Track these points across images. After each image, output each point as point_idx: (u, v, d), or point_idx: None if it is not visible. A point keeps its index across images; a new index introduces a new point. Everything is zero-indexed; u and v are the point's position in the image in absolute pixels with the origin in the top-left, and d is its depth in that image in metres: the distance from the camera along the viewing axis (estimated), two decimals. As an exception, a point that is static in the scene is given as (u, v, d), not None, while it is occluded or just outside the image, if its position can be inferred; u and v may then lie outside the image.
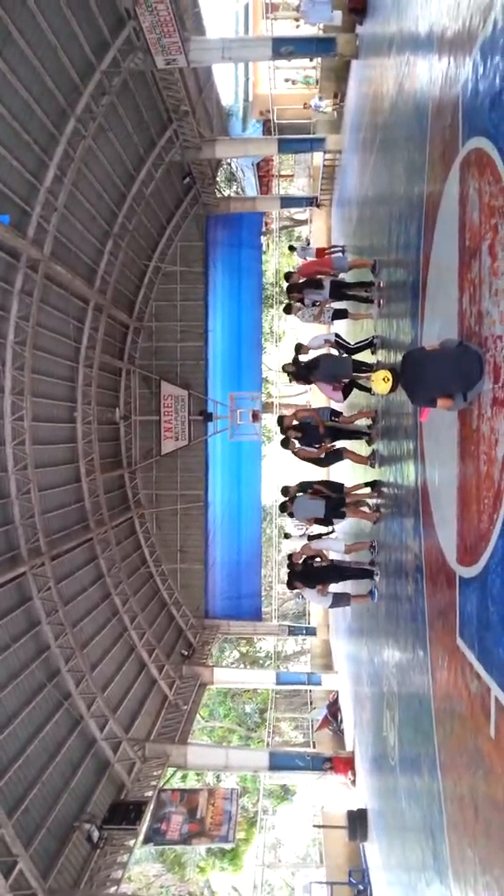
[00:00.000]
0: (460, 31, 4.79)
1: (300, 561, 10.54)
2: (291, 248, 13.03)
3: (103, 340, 19.67)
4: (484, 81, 4.13)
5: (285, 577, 11.51)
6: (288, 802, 27.89)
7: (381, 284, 9.59)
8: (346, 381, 10.72)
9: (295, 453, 11.05)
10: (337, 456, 11.01)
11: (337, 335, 11.92)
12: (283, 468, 28.58)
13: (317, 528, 11.55)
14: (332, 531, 11.77)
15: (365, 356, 10.94)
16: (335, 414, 11.45)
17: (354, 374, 10.79)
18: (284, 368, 11.56)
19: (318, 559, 10.62)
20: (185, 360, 23.87)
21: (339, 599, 10.76)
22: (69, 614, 16.35)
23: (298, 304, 11.39)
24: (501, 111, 3.84)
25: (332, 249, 15.55)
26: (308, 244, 12.45)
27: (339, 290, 11.05)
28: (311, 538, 11.62)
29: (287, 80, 21.84)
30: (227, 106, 24.57)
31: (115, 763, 15.68)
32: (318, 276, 11.33)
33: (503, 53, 3.79)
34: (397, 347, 7.84)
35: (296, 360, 11.20)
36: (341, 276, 11.72)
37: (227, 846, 18.94)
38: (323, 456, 11.00)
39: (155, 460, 23.94)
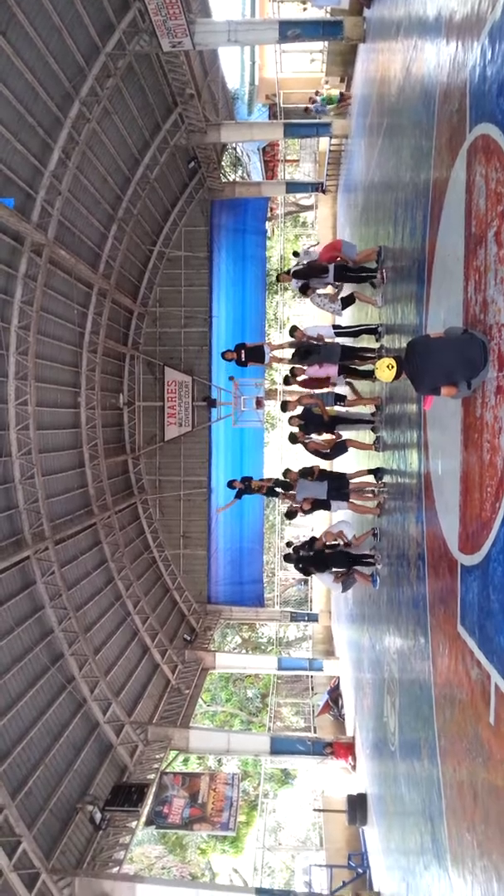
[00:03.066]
0: (469, 15, 4.74)
1: (321, 546, 10.80)
2: (296, 254, 13.10)
3: (107, 326, 19.63)
4: (492, 66, 4.09)
5: (294, 566, 11.77)
6: (289, 786, 28.13)
7: (386, 272, 9.55)
8: (338, 363, 10.83)
9: (305, 446, 11.13)
10: (342, 449, 11.07)
11: (335, 326, 12.02)
12: (285, 455, 28.57)
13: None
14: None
15: (368, 343, 10.94)
16: (339, 398, 11.47)
17: (356, 360, 10.84)
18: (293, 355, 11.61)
19: (336, 542, 10.85)
20: (189, 345, 23.84)
21: (348, 582, 10.93)
22: (72, 599, 16.44)
23: (312, 289, 11.40)
24: (509, 97, 3.81)
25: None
26: (309, 251, 12.46)
27: (342, 274, 11.05)
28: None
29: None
30: (232, 90, 24.37)
31: (117, 746, 15.81)
32: (323, 262, 11.31)
33: (512, 38, 3.75)
34: (402, 334, 7.82)
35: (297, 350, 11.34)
36: None
37: (228, 834, 19.08)
38: (329, 451, 11.10)
39: (158, 446, 23.97)
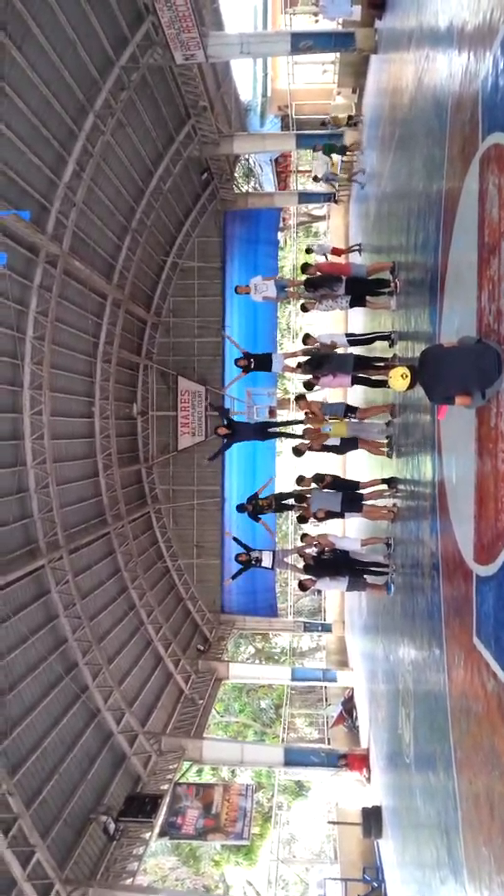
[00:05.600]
0: (481, 25, 4.75)
1: (313, 551, 10.85)
2: (308, 251, 13.25)
3: (121, 336, 19.75)
4: (504, 76, 4.09)
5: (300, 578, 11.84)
6: (303, 798, 27.94)
7: (400, 282, 9.54)
8: (351, 373, 10.85)
9: (311, 448, 11.20)
10: (352, 444, 11.05)
11: (348, 334, 12.08)
12: (298, 462, 28.50)
13: (329, 526, 11.78)
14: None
15: (382, 351, 10.93)
16: (351, 410, 11.49)
17: (369, 369, 10.85)
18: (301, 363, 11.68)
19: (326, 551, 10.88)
20: (203, 355, 23.90)
21: (356, 583, 10.83)
22: (86, 608, 16.47)
23: (314, 301, 11.46)
24: (522, 106, 3.81)
25: (351, 249, 15.57)
26: (322, 244, 12.60)
27: (354, 286, 11.06)
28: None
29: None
30: (245, 101, 24.49)
31: (131, 756, 15.79)
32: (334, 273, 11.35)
33: (524, 48, 3.75)
34: (415, 343, 7.80)
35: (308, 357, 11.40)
36: None
37: (242, 843, 18.95)
38: (337, 445, 11.14)
39: (172, 456, 24.01)
